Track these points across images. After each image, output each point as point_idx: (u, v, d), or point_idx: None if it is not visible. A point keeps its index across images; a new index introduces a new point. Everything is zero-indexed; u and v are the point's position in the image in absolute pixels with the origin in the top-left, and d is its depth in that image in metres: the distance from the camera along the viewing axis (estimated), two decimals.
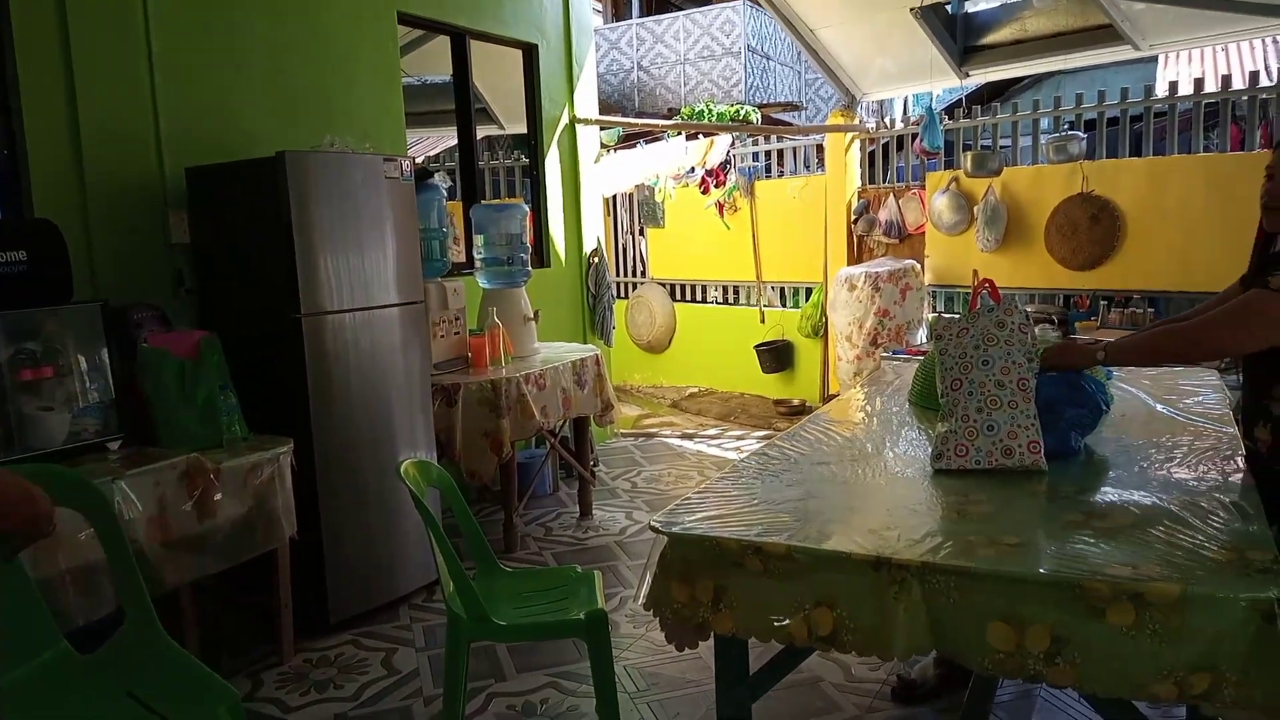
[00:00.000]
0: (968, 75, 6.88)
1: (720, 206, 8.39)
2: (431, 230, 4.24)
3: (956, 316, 2.46)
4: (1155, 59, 8.28)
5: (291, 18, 4.12)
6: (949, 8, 6.65)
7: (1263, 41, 8.25)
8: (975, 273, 6.55)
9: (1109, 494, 2.09)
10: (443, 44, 5.21)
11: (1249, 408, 2.27)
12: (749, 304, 8.72)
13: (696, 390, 8.91)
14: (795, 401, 7.96)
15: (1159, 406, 2.85)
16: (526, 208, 4.87)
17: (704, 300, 9.12)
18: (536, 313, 4.74)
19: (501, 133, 8.12)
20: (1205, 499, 1.97)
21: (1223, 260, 5.59)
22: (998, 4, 6.56)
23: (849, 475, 2.31)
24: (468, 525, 2.71)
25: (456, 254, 5.27)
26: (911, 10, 6.32)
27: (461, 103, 5.12)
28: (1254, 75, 5.94)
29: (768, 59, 10.72)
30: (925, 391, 3.10)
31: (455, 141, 5.37)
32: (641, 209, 9.04)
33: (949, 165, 7.07)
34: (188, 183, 3.59)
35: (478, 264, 4.69)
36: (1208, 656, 1.56)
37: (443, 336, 4.27)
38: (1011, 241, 6.47)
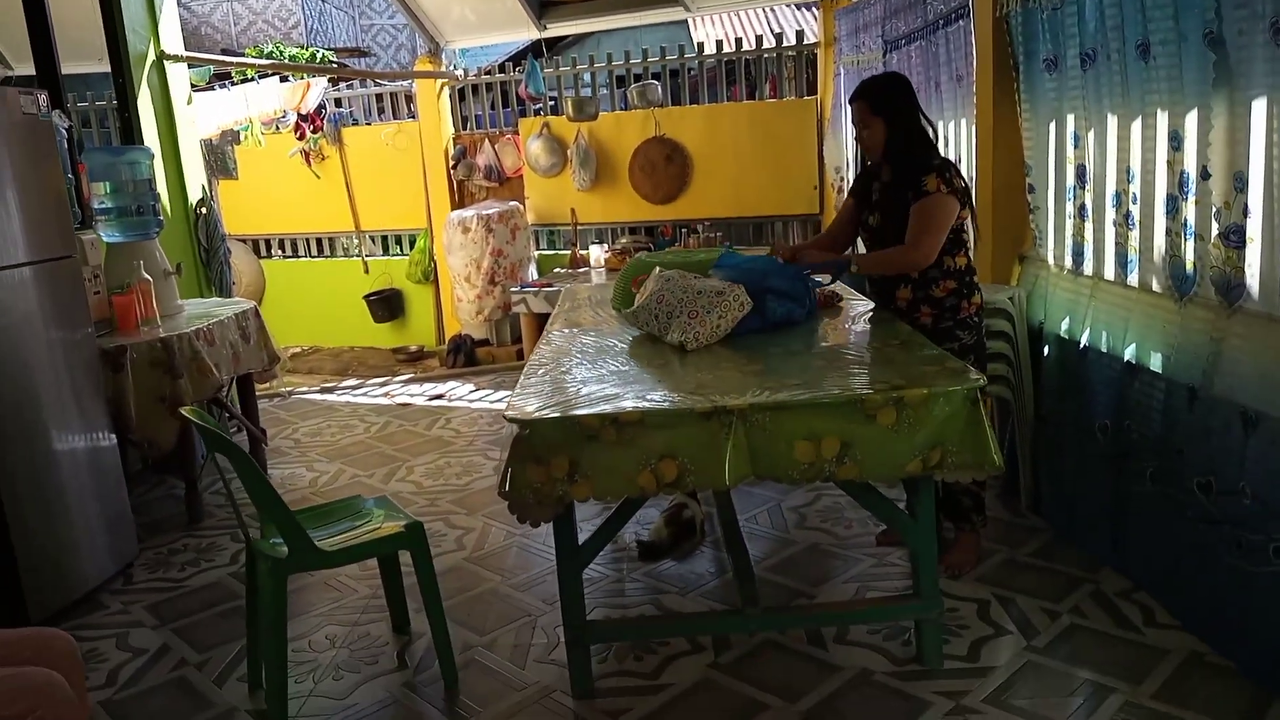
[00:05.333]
0: (545, 28, 7.42)
1: (307, 155, 8.07)
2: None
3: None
4: (685, 22, 9.59)
5: None
6: None
7: (772, 10, 9.97)
8: (573, 211, 7.23)
9: (829, 345, 2.75)
10: None
11: (884, 277, 3.07)
12: (346, 255, 8.54)
13: (300, 349, 8.57)
14: (413, 348, 8.08)
15: None
16: (153, 150, 4.37)
17: (296, 254, 8.71)
18: (178, 265, 4.33)
19: (8, 73, 6.90)
20: (892, 342, 2.70)
21: (769, 188, 6.92)
22: None
23: (632, 361, 2.70)
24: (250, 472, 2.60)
25: None
26: None
27: (42, 34, 4.36)
28: (759, 39, 7.29)
29: (323, 1, 10.31)
30: (624, 297, 3.56)
31: None
32: (211, 159, 8.29)
33: (537, 112, 7.62)
34: None
35: (99, 217, 4.14)
36: (938, 436, 2.24)
37: None
38: (603, 181, 7.23)
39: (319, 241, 8.63)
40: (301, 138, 7.56)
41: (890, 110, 2.93)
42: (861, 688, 2.51)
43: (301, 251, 8.71)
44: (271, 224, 8.56)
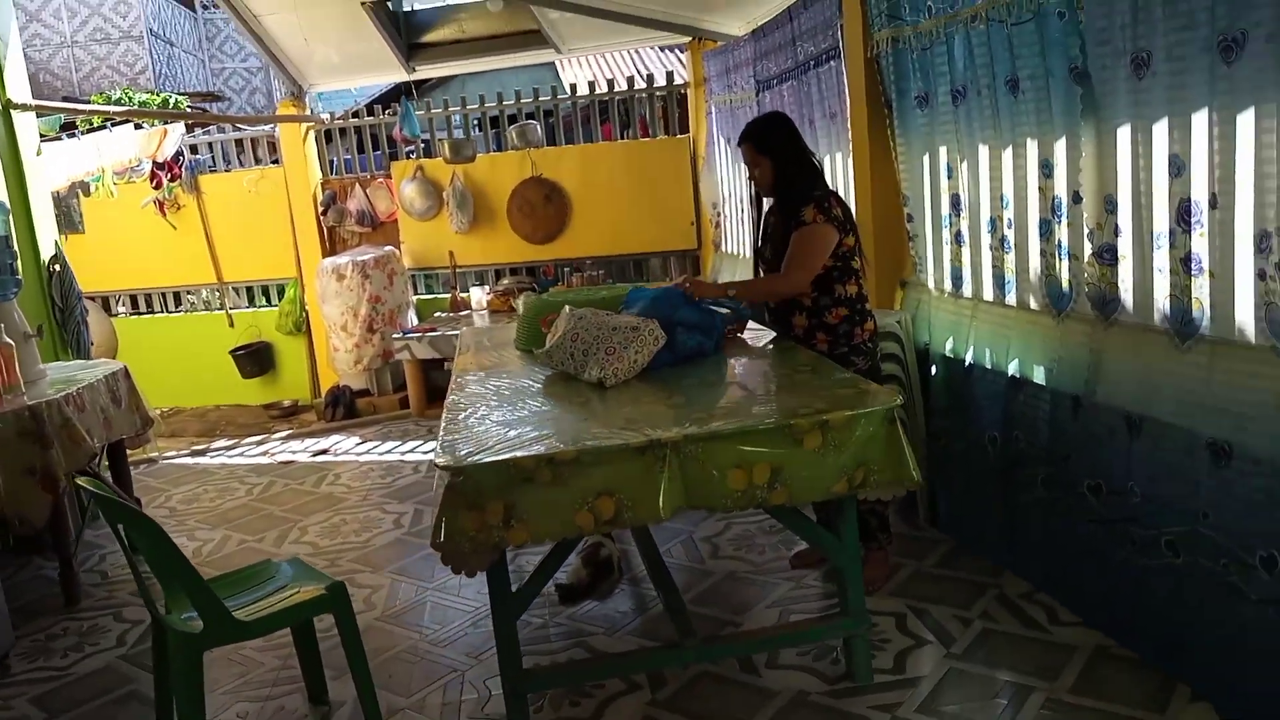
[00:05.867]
0: (415, 70, 7.34)
1: (161, 205, 7.67)
2: None
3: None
4: (553, 64, 9.67)
5: None
6: (389, 4, 7.02)
7: (635, 52, 10.19)
8: (451, 254, 7.15)
9: (742, 374, 2.81)
10: None
11: (781, 306, 3.18)
12: (209, 309, 8.14)
13: (160, 411, 8.05)
14: (287, 403, 7.74)
15: None
16: (7, 205, 4.05)
17: (150, 310, 8.22)
18: (39, 327, 4.03)
19: None
20: (803, 369, 2.79)
21: (647, 225, 7.05)
22: (439, 4, 7.13)
23: (550, 400, 2.68)
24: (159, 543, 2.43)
25: None
26: (363, 3, 6.56)
27: None
28: (630, 80, 7.44)
29: (171, 45, 9.87)
30: (531, 337, 3.54)
31: None
32: (56, 213, 7.75)
33: (409, 154, 7.52)
34: None
35: None
36: (861, 455, 2.32)
37: None
38: (481, 222, 7.19)
39: (176, 295, 8.19)
40: (158, 186, 7.18)
41: (772, 148, 3.06)
42: (800, 710, 2.55)
43: (157, 307, 8.24)
44: (122, 279, 8.06)
